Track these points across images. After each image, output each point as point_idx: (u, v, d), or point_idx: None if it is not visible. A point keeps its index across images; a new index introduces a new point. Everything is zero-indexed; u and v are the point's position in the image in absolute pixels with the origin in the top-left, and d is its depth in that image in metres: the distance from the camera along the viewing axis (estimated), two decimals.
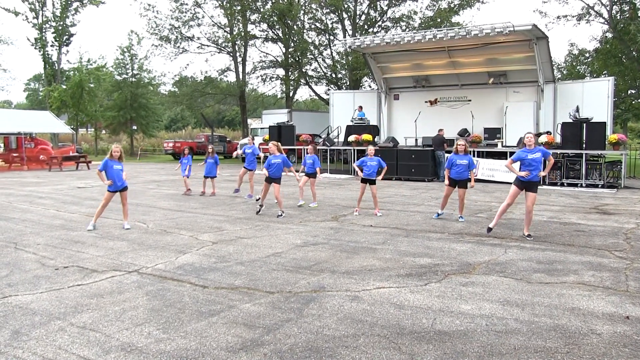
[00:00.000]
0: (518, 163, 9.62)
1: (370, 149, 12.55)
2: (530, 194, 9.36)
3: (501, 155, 20.44)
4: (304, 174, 14.11)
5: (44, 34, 43.43)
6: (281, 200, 12.26)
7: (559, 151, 19.26)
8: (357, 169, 12.62)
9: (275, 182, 12.12)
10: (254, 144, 16.20)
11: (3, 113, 37.02)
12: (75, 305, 5.80)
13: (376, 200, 12.44)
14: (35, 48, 43.61)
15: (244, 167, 15.81)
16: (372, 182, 12.32)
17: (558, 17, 36.42)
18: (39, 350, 4.61)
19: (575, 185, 18.59)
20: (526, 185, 9.39)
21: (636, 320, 5.26)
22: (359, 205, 12.63)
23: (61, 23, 43.49)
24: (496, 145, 22.12)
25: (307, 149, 14.30)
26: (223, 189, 16.85)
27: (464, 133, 23.67)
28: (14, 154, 31.17)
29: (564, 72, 41.17)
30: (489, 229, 9.80)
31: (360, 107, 27.34)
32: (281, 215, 11.94)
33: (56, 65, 44.61)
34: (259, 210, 12.36)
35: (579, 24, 37.92)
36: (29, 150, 31.24)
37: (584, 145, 18.71)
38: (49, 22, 43.48)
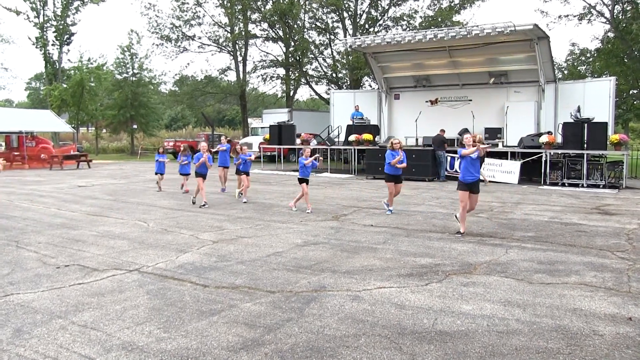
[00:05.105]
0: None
1: (307, 150, 12.96)
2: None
3: (502, 155, 20.44)
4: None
5: (45, 33, 43.47)
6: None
7: (560, 151, 19.24)
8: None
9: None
10: (227, 143, 17.28)
11: (4, 112, 37.07)
12: (76, 303, 5.81)
13: (307, 197, 12.90)
14: (36, 47, 43.67)
15: (219, 166, 16.77)
16: (307, 182, 12.86)
17: (559, 17, 36.29)
18: (40, 349, 4.62)
19: (577, 185, 18.54)
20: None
21: (639, 322, 5.25)
22: (295, 203, 13.00)
23: (62, 22, 43.52)
24: (497, 145, 22.10)
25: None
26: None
27: (464, 133, 23.65)
28: (15, 153, 31.22)
29: (565, 72, 41.07)
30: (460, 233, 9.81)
31: (357, 107, 27.30)
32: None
33: (57, 64, 44.65)
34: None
35: (581, 23, 37.80)
36: (30, 149, 31.27)
37: (585, 146, 18.66)
38: (50, 21, 43.55)
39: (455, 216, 10.25)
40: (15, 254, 8.23)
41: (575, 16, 35.54)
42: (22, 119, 32.36)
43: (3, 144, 34.20)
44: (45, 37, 43.45)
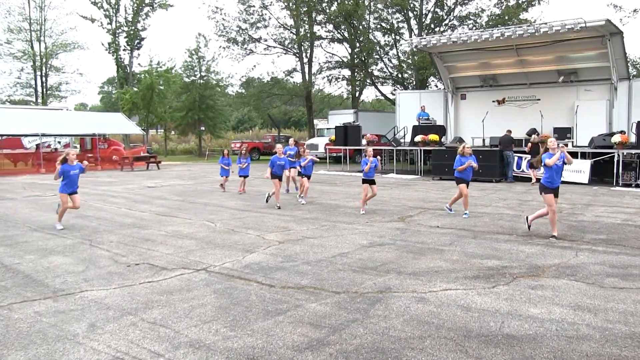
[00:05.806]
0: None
1: (369, 150, 12.80)
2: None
3: (571, 155, 19.72)
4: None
5: (117, 38, 45.07)
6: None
7: (633, 151, 18.46)
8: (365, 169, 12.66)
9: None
10: (295, 145, 17.35)
11: (79, 115, 38.64)
12: (146, 301, 6.00)
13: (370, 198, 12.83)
14: (108, 52, 45.34)
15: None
16: (373, 182, 12.64)
17: (635, 11, 34.74)
18: (112, 344, 4.80)
19: None
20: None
21: None
22: (364, 206, 12.77)
23: (133, 28, 45.00)
24: (566, 145, 21.42)
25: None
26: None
27: (532, 133, 23.06)
28: (89, 155, 32.38)
29: None
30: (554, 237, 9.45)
31: (423, 107, 27.05)
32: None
33: (128, 68, 46.17)
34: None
35: None
36: (102, 150, 32.39)
37: None
38: (122, 27, 45.09)
39: (527, 217, 10.08)
40: (89, 252, 8.57)
41: None
42: (95, 122, 33.63)
43: (78, 146, 35.54)
44: (117, 42, 45.04)
